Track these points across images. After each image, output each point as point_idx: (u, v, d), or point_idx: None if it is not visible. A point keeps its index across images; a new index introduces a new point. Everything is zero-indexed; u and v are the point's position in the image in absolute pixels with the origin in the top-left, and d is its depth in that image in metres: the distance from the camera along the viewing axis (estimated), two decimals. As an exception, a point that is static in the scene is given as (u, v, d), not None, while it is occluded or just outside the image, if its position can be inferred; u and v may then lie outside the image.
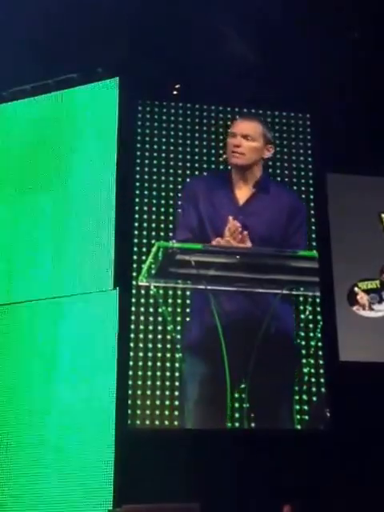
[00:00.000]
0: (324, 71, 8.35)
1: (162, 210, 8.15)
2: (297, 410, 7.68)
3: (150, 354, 7.62)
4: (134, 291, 7.79)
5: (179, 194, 8.22)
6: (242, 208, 8.16)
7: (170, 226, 8.09)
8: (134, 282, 7.81)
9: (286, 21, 8.22)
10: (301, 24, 8.22)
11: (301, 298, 8.06)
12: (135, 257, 7.90)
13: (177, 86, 8.67)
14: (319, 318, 8.03)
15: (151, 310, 7.76)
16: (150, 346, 7.64)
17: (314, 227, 8.32)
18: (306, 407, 7.71)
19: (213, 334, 7.69)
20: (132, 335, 7.65)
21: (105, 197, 8.06)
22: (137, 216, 8.07)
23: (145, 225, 8.04)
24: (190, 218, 8.09)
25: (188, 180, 8.34)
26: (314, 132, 8.67)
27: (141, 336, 7.66)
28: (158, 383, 7.54)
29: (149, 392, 7.50)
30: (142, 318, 7.72)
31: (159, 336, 7.69)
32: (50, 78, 8.53)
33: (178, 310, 7.80)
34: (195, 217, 8.08)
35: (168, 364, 7.61)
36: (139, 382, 7.51)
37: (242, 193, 8.24)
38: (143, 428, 7.41)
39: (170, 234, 8.04)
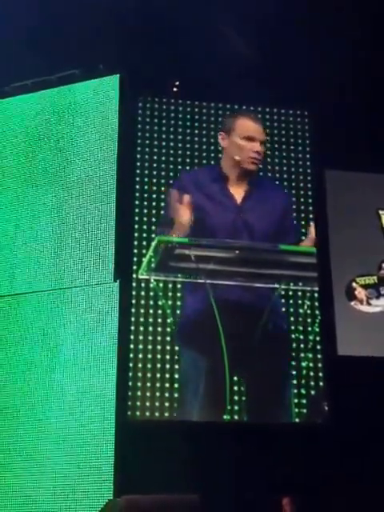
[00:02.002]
0: (322, 69, 8.38)
1: (162, 204, 8.20)
2: (295, 403, 7.74)
3: (150, 347, 7.66)
4: (134, 284, 7.84)
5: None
6: (241, 206, 8.22)
7: (171, 219, 8.17)
8: (134, 276, 7.86)
9: (286, 20, 8.27)
10: (301, 24, 8.27)
11: (299, 293, 8.12)
12: (136, 250, 7.95)
13: (177, 83, 8.73)
14: (317, 312, 8.10)
15: (152, 303, 7.81)
16: (151, 338, 7.69)
17: (312, 223, 8.38)
18: (304, 401, 7.76)
19: (212, 327, 7.72)
20: (132, 328, 7.69)
21: (105, 191, 8.09)
22: (137, 210, 8.12)
23: (145, 219, 8.09)
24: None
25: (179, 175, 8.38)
26: (312, 129, 8.74)
27: (141, 329, 7.70)
28: (158, 375, 7.58)
29: (149, 384, 7.54)
30: (142, 310, 7.77)
31: (159, 329, 7.73)
32: (52, 74, 8.58)
33: (178, 303, 7.85)
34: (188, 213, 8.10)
35: (168, 356, 7.66)
36: (139, 374, 7.55)
37: (237, 190, 8.28)
38: (143, 419, 7.45)
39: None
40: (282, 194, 8.46)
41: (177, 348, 7.69)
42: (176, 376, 7.62)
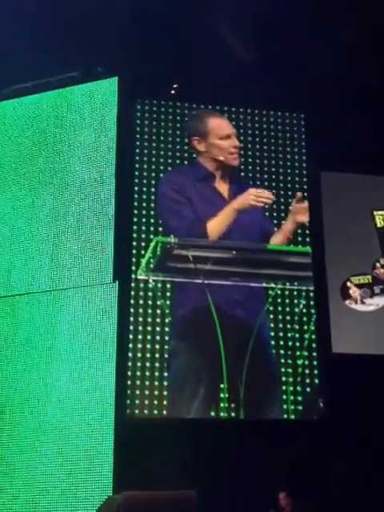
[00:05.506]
0: (319, 72, 8.42)
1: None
2: (291, 400, 7.85)
3: (148, 346, 7.77)
4: (133, 285, 7.93)
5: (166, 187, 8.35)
6: (229, 202, 8.30)
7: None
8: (133, 276, 7.95)
9: (284, 20, 8.32)
10: (299, 26, 8.30)
11: (295, 292, 8.23)
12: (134, 251, 8.04)
13: (175, 86, 8.81)
14: (313, 311, 8.21)
15: (150, 303, 7.91)
16: (149, 338, 7.79)
17: (308, 223, 8.47)
18: (300, 398, 7.88)
19: (210, 327, 7.83)
20: (131, 327, 7.80)
21: (104, 192, 8.20)
22: (136, 211, 8.21)
23: (144, 220, 8.18)
24: (187, 213, 8.21)
25: (162, 175, 8.45)
26: (308, 131, 8.85)
27: (140, 328, 7.81)
28: (157, 374, 7.69)
29: (147, 382, 7.65)
30: (141, 310, 7.87)
31: (158, 328, 7.83)
32: (51, 76, 8.67)
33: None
34: (191, 211, 8.21)
35: (166, 355, 7.77)
36: (138, 373, 7.67)
37: (223, 187, 8.41)
38: (142, 417, 7.57)
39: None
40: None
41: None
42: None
